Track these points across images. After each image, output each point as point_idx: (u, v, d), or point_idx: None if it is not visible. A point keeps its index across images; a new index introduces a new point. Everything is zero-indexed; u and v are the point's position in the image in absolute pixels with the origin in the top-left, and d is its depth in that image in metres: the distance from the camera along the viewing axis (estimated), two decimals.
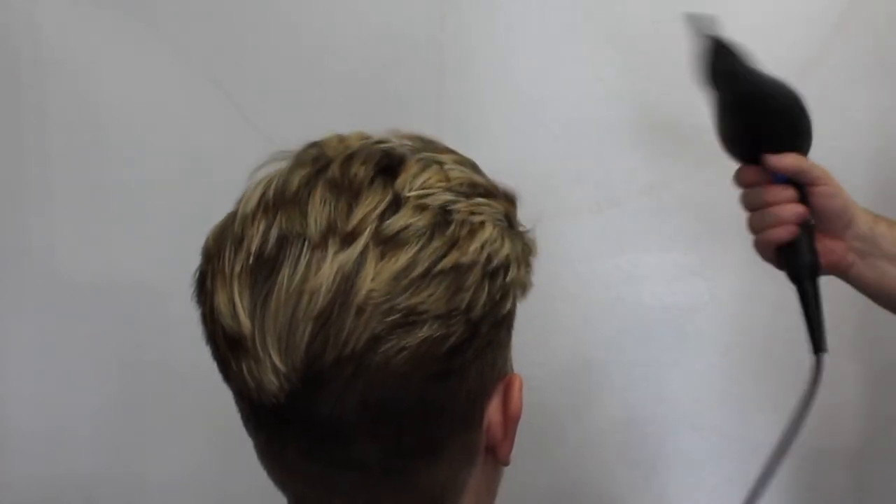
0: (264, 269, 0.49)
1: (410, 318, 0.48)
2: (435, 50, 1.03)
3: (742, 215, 1.06)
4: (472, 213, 0.52)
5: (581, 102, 1.04)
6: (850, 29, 1.01)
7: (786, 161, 0.79)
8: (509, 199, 0.56)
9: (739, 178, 0.84)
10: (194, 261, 0.54)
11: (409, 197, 0.50)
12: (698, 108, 1.03)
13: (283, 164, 0.54)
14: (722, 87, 0.81)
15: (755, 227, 0.83)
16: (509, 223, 0.55)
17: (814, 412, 0.74)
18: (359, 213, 0.49)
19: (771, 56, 1.00)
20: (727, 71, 0.81)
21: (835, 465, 1.11)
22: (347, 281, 0.48)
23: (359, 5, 1.03)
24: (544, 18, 1.02)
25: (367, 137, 0.55)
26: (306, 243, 0.49)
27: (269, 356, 0.48)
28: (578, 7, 1.02)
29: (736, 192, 1.06)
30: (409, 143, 0.56)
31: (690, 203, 1.05)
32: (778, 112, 0.80)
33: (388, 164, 0.52)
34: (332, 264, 0.48)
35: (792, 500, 1.11)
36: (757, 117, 0.80)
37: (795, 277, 0.79)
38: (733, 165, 1.05)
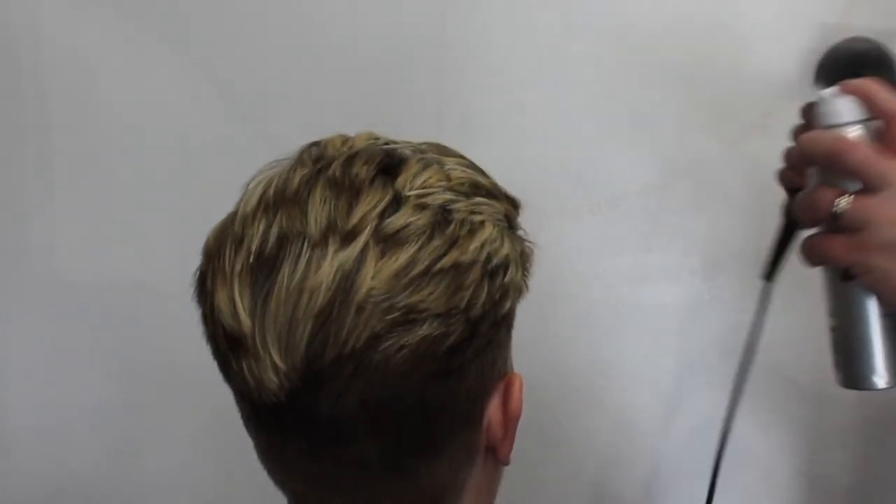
0: (265, 268, 0.49)
1: (410, 317, 0.48)
2: (435, 50, 1.03)
3: (740, 216, 1.06)
4: (473, 213, 0.52)
5: (581, 102, 1.04)
6: (852, 29, 1.01)
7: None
8: (511, 202, 0.56)
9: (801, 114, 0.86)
10: (194, 261, 0.54)
11: (409, 196, 0.50)
12: (699, 109, 1.03)
13: (283, 166, 0.54)
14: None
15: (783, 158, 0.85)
16: (509, 224, 0.55)
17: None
18: (359, 212, 0.49)
19: (772, 56, 1.00)
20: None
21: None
22: (347, 279, 0.48)
23: (359, 5, 1.03)
24: (544, 18, 1.02)
25: (376, 138, 0.56)
26: (306, 242, 0.49)
27: (270, 355, 0.48)
28: (578, 7, 1.02)
29: (734, 194, 1.06)
30: (419, 146, 0.56)
31: (690, 203, 1.05)
32: None
33: (388, 163, 0.52)
34: (332, 262, 0.48)
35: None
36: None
37: (782, 212, 0.84)
38: (733, 166, 1.05)
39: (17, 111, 1.08)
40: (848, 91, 0.65)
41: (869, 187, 0.62)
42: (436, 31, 1.03)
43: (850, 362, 0.68)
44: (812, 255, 0.65)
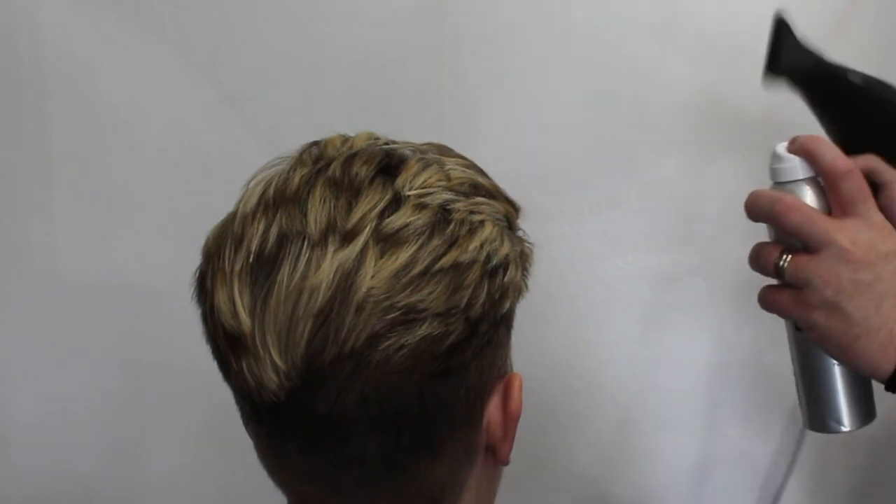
0: (264, 268, 0.49)
1: (410, 316, 0.48)
2: (435, 50, 1.03)
3: (740, 216, 1.06)
4: (472, 213, 0.52)
5: (581, 102, 1.04)
6: (852, 29, 1.01)
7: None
8: (511, 204, 0.56)
9: None
10: (194, 261, 0.54)
11: (409, 196, 0.50)
12: (699, 108, 1.03)
13: (283, 165, 0.54)
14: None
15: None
16: (509, 224, 0.55)
17: None
18: (359, 212, 0.49)
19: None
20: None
21: None
22: (347, 279, 0.48)
23: (359, 5, 1.03)
24: (544, 18, 1.02)
25: (376, 138, 0.56)
26: (306, 241, 0.49)
27: (270, 354, 0.48)
28: (578, 7, 1.02)
29: (734, 193, 1.06)
30: (419, 146, 0.56)
31: (690, 203, 1.05)
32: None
33: (388, 163, 0.52)
34: (331, 262, 0.48)
35: None
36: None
37: None
38: (733, 166, 1.05)
39: (17, 111, 1.08)
40: (794, 149, 0.66)
41: (809, 247, 0.63)
42: (436, 31, 1.03)
43: (811, 406, 0.70)
44: (764, 305, 0.68)
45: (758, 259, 0.67)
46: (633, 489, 1.12)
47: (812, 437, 1.00)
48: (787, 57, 0.75)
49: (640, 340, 1.08)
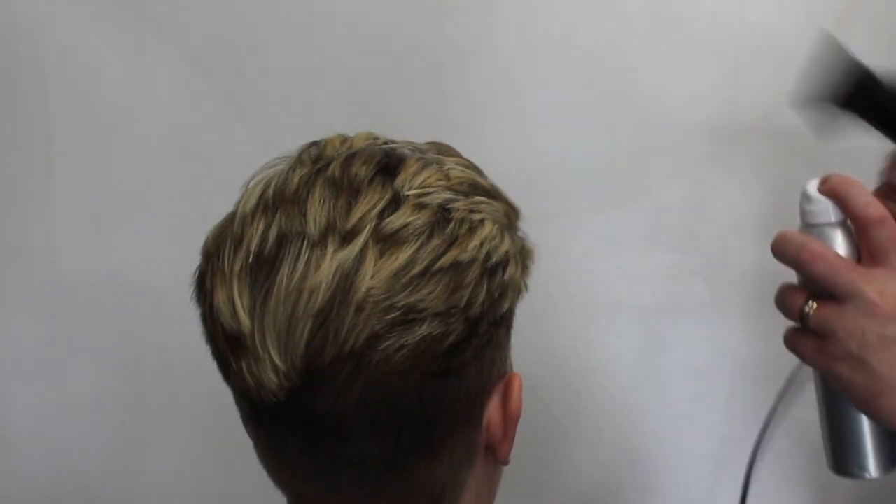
0: (264, 268, 0.49)
1: (410, 316, 0.48)
2: (435, 50, 1.03)
3: (740, 217, 1.06)
4: (472, 212, 0.52)
5: (581, 102, 1.04)
6: (853, 28, 1.01)
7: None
8: (511, 206, 0.56)
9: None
10: (194, 261, 0.54)
11: (408, 195, 0.50)
12: (698, 108, 1.03)
13: (283, 166, 0.54)
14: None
15: None
16: (509, 223, 0.55)
17: None
18: (358, 212, 0.49)
19: (772, 57, 1.00)
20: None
21: None
22: (347, 279, 0.48)
23: (359, 5, 1.03)
24: (544, 18, 1.02)
25: (375, 138, 0.56)
26: (306, 241, 0.49)
27: (269, 354, 0.48)
28: (578, 7, 1.02)
29: (733, 194, 1.06)
30: (418, 145, 0.56)
31: (690, 203, 1.05)
32: None
33: (387, 163, 0.52)
34: (331, 262, 0.48)
35: None
36: None
37: None
38: (733, 166, 1.05)
39: (17, 111, 1.08)
40: (825, 190, 0.62)
41: (836, 297, 0.61)
42: (436, 31, 1.03)
43: (835, 450, 0.67)
44: (789, 348, 0.65)
45: (783, 302, 0.64)
46: (633, 489, 1.12)
47: (812, 438, 1.00)
48: (852, 90, 0.71)
49: (640, 340, 1.08)
